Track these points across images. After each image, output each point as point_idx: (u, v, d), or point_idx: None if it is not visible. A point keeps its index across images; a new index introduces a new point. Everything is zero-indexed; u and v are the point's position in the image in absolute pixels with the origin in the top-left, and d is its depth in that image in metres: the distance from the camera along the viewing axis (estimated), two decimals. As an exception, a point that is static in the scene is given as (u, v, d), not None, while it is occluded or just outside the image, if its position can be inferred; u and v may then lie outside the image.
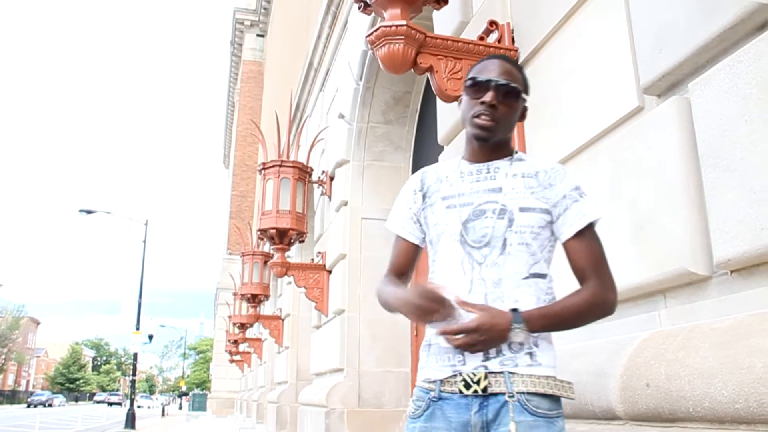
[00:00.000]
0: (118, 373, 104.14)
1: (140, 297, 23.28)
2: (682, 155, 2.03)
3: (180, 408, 50.95)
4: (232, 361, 23.31)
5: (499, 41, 3.23)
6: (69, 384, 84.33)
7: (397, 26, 2.96)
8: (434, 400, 1.63)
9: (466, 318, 1.54)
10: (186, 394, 55.13)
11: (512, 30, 3.24)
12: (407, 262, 1.85)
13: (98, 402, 71.50)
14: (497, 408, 1.55)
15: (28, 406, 53.58)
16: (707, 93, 1.93)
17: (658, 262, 2.09)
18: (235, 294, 15.61)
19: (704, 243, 1.94)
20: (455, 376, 1.60)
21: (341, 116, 7.32)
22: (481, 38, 3.27)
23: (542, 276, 1.66)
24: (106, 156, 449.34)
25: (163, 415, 34.88)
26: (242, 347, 20.14)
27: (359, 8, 3.26)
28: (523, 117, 1.81)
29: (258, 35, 32.39)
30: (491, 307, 1.55)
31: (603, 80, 2.49)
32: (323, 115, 9.09)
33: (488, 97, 1.69)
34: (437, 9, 3.38)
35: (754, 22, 1.80)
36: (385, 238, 6.26)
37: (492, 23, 3.27)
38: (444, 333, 1.54)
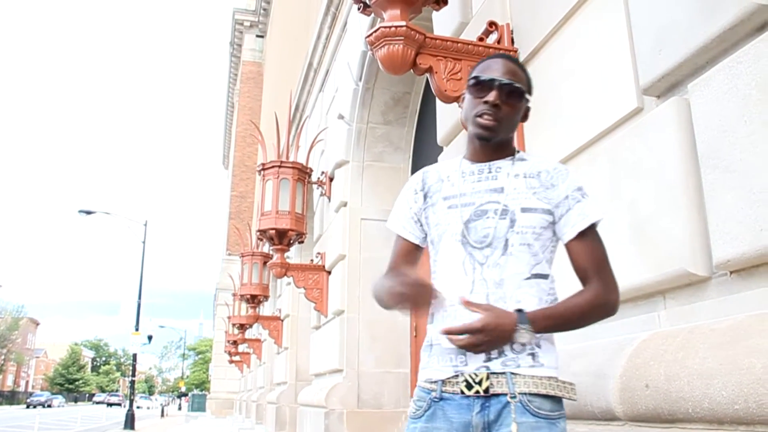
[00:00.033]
0: (118, 374, 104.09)
1: (139, 298, 23.28)
2: (681, 156, 2.03)
3: (179, 409, 50.96)
4: (231, 361, 23.29)
5: (498, 42, 3.23)
6: (68, 385, 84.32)
7: (396, 27, 2.96)
8: (435, 400, 1.62)
9: (470, 318, 1.53)
10: (185, 395, 55.12)
11: (512, 31, 3.24)
12: (407, 261, 1.84)
13: (97, 403, 71.50)
14: (499, 409, 1.55)
15: (28, 407, 53.56)
16: (707, 94, 1.93)
17: (658, 263, 2.09)
18: (234, 295, 15.63)
19: (704, 244, 1.94)
20: (457, 376, 1.60)
21: (341, 117, 7.33)
22: (481, 39, 3.27)
23: (544, 276, 1.66)
24: (106, 156, 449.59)
25: (162, 415, 34.86)
26: (241, 348, 20.13)
27: (359, 9, 3.26)
28: (525, 117, 1.80)
29: (257, 36, 32.38)
30: (496, 307, 1.54)
31: (602, 81, 2.49)
32: (323, 116, 9.10)
33: (491, 96, 1.68)
34: (437, 10, 3.38)
35: (753, 23, 1.80)
36: (384, 239, 6.26)
37: (491, 24, 3.27)
38: (448, 333, 1.53)
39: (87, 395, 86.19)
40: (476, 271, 1.64)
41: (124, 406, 46.39)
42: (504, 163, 1.73)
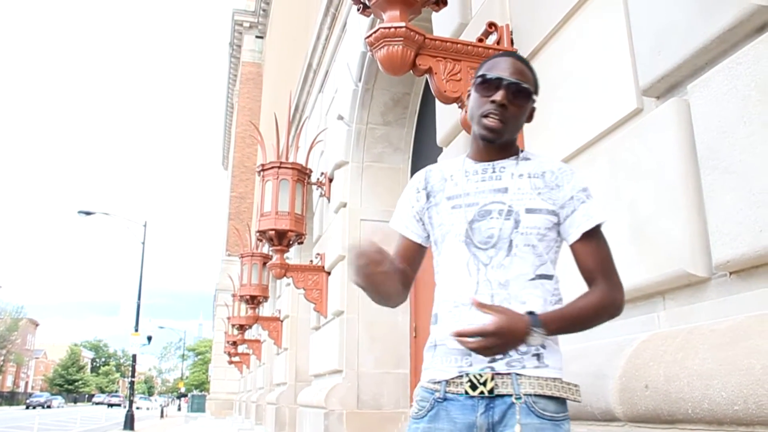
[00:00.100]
0: (117, 375, 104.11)
1: (139, 298, 23.27)
2: (681, 157, 2.03)
3: (179, 409, 50.91)
4: (231, 362, 23.29)
5: (498, 43, 3.23)
6: (68, 385, 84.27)
7: (396, 28, 2.96)
8: (439, 400, 1.61)
9: (478, 320, 1.52)
10: (185, 396, 55.07)
11: (511, 31, 3.25)
12: (408, 260, 1.82)
13: (97, 403, 71.50)
14: (503, 410, 1.54)
15: (27, 408, 53.58)
16: (706, 95, 1.93)
17: (657, 264, 2.09)
18: (234, 295, 15.63)
19: (703, 244, 1.94)
20: (461, 376, 1.58)
21: (340, 118, 7.32)
22: (480, 40, 3.27)
23: (549, 277, 1.65)
24: (105, 157, 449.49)
25: (161, 416, 34.83)
26: (241, 348, 20.13)
27: (358, 10, 3.26)
28: (530, 118, 1.77)
29: (257, 37, 32.37)
30: (509, 309, 1.51)
31: (602, 82, 2.49)
32: (322, 117, 9.09)
33: (499, 96, 1.65)
34: (436, 11, 3.38)
35: (753, 24, 1.81)
36: (384, 239, 6.24)
37: (491, 25, 3.27)
38: (460, 335, 1.48)
39: (86, 396, 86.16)
40: (480, 272, 1.63)
41: (124, 407, 46.38)
42: (508, 163, 1.71)
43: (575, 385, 1.62)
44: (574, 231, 1.65)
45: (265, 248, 11.45)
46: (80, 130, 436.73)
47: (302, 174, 7.98)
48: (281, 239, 7.67)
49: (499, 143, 1.70)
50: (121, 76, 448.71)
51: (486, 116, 1.67)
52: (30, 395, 64.23)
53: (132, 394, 22.75)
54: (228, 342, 19.91)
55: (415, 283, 1.91)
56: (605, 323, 1.66)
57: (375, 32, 3.01)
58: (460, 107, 3.13)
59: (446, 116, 3.79)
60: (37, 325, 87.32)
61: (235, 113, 35.90)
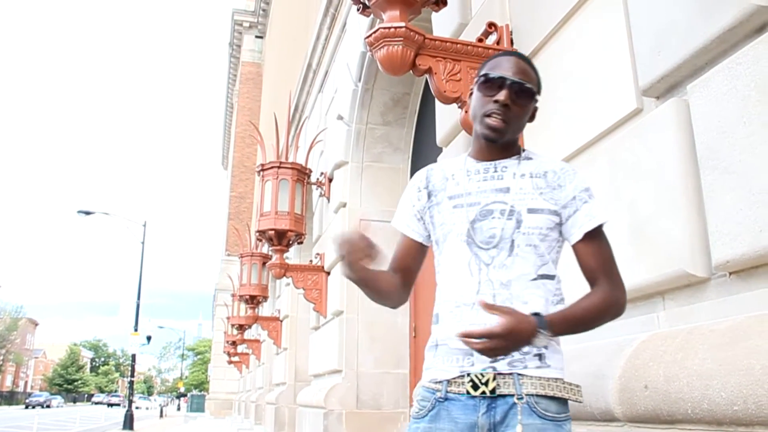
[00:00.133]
0: (117, 375, 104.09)
1: (138, 298, 23.26)
2: (680, 157, 2.03)
3: (178, 409, 50.90)
4: (230, 362, 23.30)
5: (497, 43, 3.23)
6: (67, 385, 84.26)
7: (395, 28, 2.96)
8: (440, 400, 1.60)
9: (479, 320, 1.51)
10: (184, 395, 55.07)
11: (511, 32, 3.24)
12: (409, 259, 1.81)
13: (96, 403, 71.49)
14: (505, 410, 1.53)
15: (26, 407, 53.60)
16: (706, 95, 1.93)
17: (657, 264, 2.09)
18: (233, 295, 15.63)
19: (703, 245, 1.94)
20: (463, 376, 1.58)
21: (340, 117, 7.32)
22: (480, 40, 3.27)
23: (551, 277, 1.64)
24: (105, 157, 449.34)
25: (161, 416, 34.82)
26: (240, 348, 20.14)
27: (358, 10, 3.26)
28: (532, 117, 1.76)
29: (257, 37, 32.36)
30: (516, 310, 1.48)
31: (602, 82, 2.49)
32: (322, 117, 9.09)
33: (502, 96, 1.64)
34: (436, 11, 3.38)
35: (753, 24, 1.81)
36: (383, 240, 6.23)
37: (491, 25, 3.27)
38: (467, 336, 1.45)
39: (86, 396, 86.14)
40: (482, 271, 1.62)
41: (124, 407, 46.40)
42: (510, 162, 1.71)
43: (577, 386, 1.61)
44: (577, 231, 1.64)
45: (265, 248, 11.45)
46: (80, 130, 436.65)
47: (302, 174, 7.98)
48: (281, 239, 7.67)
49: (501, 143, 1.69)
50: (121, 76, 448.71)
51: (489, 116, 1.66)
52: (29, 395, 64.25)
53: (131, 394, 22.73)
54: (227, 342, 19.91)
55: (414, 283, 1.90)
56: (606, 323, 1.66)
57: (375, 32, 3.01)
58: (459, 107, 3.13)
59: (446, 116, 3.79)
60: (36, 324, 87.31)
61: (235, 113, 35.89)
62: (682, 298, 2.06)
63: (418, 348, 6.20)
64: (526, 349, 1.53)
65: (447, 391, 1.60)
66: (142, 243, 23.61)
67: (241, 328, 15.03)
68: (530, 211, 1.63)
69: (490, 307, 1.46)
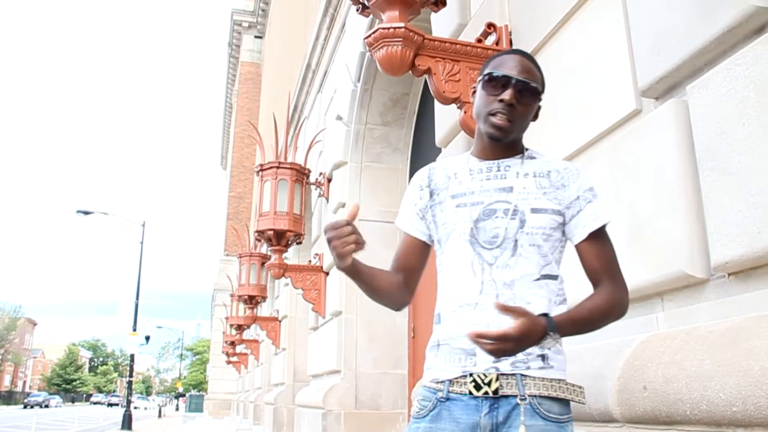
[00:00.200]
0: (115, 375, 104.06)
1: (137, 298, 23.27)
2: (679, 158, 2.03)
3: (177, 409, 50.92)
4: (229, 362, 23.30)
5: (497, 43, 3.23)
6: (65, 385, 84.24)
7: (395, 28, 2.96)
8: (442, 400, 1.59)
9: (483, 320, 1.50)
10: (183, 396, 55.07)
11: (510, 32, 3.24)
12: (413, 258, 1.80)
13: (95, 403, 71.49)
14: (508, 410, 1.53)
15: (25, 407, 53.56)
16: (705, 96, 1.93)
17: (656, 265, 2.09)
18: (232, 295, 15.61)
19: (702, 246, 1.94)
20: (465, 376, 1.57)
21: (339, 118, 7.32)
22: (479, 40, 3.27)
23: (553, 277, 1.64)
24: (104, 157, 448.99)
25: (159, 416, 34.79)
26: (239, 349, 20.14)
27: (357, 10, 3.26)
28: (536, 117, 1.75)
29: (256, 37, 32.34)
30: (529, 312, 1.44)
31: (601, 83, 2.49)
32: (321, 117, 9.09)
33: (507, 95, 1.62)
34: (435, 11, 3.38)
35: (752, 25, 1.81)
36: (382, 240, 6.25)
37: (490, 25, 3.27)
38: (480, 337, 1.40)
39: (84, 396, 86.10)
40: (485, 271, 1.61)
41: (123, 407, 46.43)
42: (513, 162, 1.70)
43: (579, 387, 1.60)
44: (580, 231, 1.64)
45: (264, 248, 11.44)
46: (79, 130, 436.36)
47: (301, 174, 7.97)
48: (280, 239, 7.67)
49: (505, 142, 1.68)
50: (120, 76, 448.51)
51: (494, 114, 1.64)
52: (28, 395, 64.24)
53: (130, 394, 22.72)
54: (226, 342, 19.89)
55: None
56: (609, 324, 1.65)
57: (374, 33, 3.00)
58: (459, 108, 3.13)
59: (445, 117, 3.79)
60: (35, 324, 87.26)
61: (234, 113, 35.88)
62: (680, 299, 2.06)
63: (417, 348, 6.20)
64: (529, 349, 1.51)
65: (449, 391, 1.58)
66: (141, 243, 23.62)
67: (240, 328, 15.02)
68: (534, 210, 1.62)
69: (505, 309, 1.42)
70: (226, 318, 17.33)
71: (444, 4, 3.29)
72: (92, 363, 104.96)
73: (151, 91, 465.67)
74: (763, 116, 1.72)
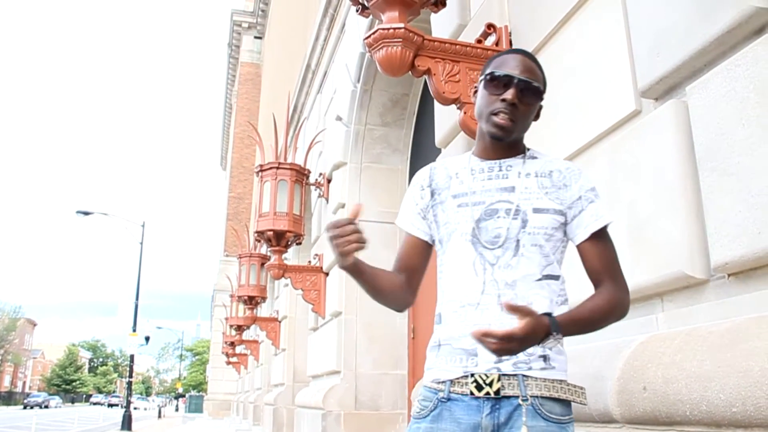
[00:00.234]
0: (115, 375, 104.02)
1: (137, 299, 23.26)
2: (679, 158, 2.03)
3: (176, 410, 50.92)
4: (228, 363, 23.29)
5: (497, 44, 3.23)
6: (65, 385, 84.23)
7: (394, 29, 2.95)
8: (443, 400, 1.58)
9: (485, 320, 1.50)
10: (182, 396, 55.07)
11: (510, 33, 3.24)
12: (415, 258, 1.79)
13: (95, 403, 71.49)
14: (510, 411, 1.52)
15: (25, 408, 53.55)
16: (705, 96, 1.93)
17: (656, 265, 2.09)
18: (231, 296, 15.62)
19: (702, 246, 1.94)
20: (466, 376, 1.56)
21: (339, 118, 7.32)
22: (479, 41, 3.27)
23: (555, 278, 1.63)
24: (104, 157, 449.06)
25: (159, 416, 34.78)
26: (239, 349, 20.12)
27: (357, 11, 3.26)
28: (537, 116, 1.75)
29: (256, 37, 32.34)
30: (534, 311, 1.43)
31: (601, 83, 2.49)
32: (321, 118, 9.09)
33: (509, 94, 1.62)
34: (435, 12, 3.38)
35: (752, 26, 1.81)
36: (382, 241, 6.26)
37: (490, 26, 3.27)
38: (486, 336, 1.38)
39: (84, 396, 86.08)
40: (487, 271, 1.60)
41: (123, 407, 46.42)
42: (515, 162, 1.69)
43: (581, 388, 1.60)
44: (582, 231, 1.64)
45: (263, 249, 11.44)
46: (79, 130, 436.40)
47: (300, 175, 7.97)
48: (279, 240, 7.66)
49: (507, 141, 1.68)
50: (120, 76, 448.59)
51: (496, 114, 1.64)
52: (27, 395, 64.18)
53: (130, 395, 22.71)
54: (226, 342, 19.89)
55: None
56: (610, 324, 1.65)
57: (374, 33, 3.00)
58: (458, 108, 3.13)
59: (445, 117, 3.79)
60: (34, 325, 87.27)
61: (234, 114, 35.88)
62: (680, 299, 2.06)
63: (417, 349, 6.20)
64: (531, 350, 1.51)
65: (450, 392, 1.58)
66: (141, 243, 23.61)
67: (240, 328, 15.01)
68: (536, 210, 1.62)
69: (512, 308, 1.40)
70: (226, 318, 17.33)
71: (444, 4, 3.29)
72: (92, 363, 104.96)
73: (151, 91, 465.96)
74: (763, 117, 1.72)
